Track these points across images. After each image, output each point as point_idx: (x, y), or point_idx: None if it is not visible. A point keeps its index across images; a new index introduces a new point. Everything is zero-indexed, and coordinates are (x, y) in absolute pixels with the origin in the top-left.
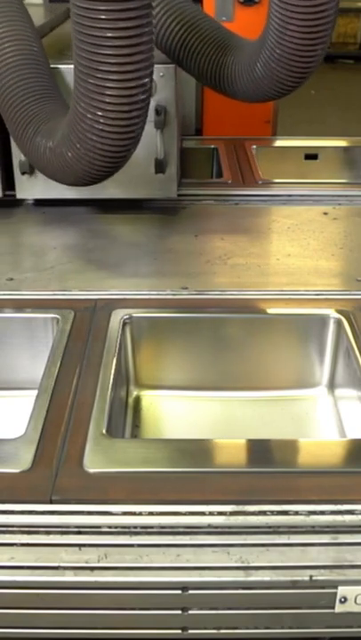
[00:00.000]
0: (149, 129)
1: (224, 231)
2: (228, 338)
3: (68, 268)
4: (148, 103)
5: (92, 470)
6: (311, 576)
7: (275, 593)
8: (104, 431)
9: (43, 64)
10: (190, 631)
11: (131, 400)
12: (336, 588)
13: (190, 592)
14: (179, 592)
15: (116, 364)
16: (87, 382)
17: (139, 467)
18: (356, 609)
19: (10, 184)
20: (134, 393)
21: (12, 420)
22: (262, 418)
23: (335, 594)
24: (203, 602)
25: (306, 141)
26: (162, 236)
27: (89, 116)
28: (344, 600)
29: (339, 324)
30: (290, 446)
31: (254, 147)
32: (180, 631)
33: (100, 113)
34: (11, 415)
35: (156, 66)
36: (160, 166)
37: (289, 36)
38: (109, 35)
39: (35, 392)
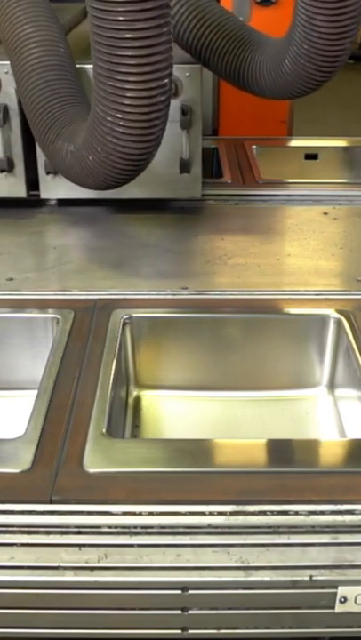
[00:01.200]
0: (174, 129)
1: (224, 231)
2: (228, 338)
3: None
4: (169, 104)
5: (92, 470)
6: (311, 576)
7: (275, 593)
8: (104, 431)
9: (68, 65)
10: (190, 631)
11: (131, 400)
12: (336, 588)
13: (190, 592)
14: (179, 592)
15: (116, 364)
16: (87, 382)
17: (139, 467)
18: (356, 609)
19: (34, 184)
20: (134, 393)
21: (12, 420)
22: (262, 418)
23: (335, 594)
24: (203, 602)
25: (306, 141)
26: (161, 235)
27: (109, 118)
28: (344, 600)
29: (339, 324)
30: (290, 446)
31: (254, 147)
32: (180, 631)
33: (119, 115)
34: (11, 415)
35: (181, 66)
36: (185, 166)
37: (316, 32)
38: (128, 36)
39: (35, 392)
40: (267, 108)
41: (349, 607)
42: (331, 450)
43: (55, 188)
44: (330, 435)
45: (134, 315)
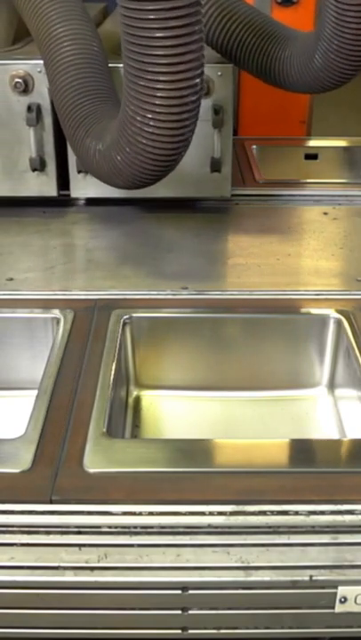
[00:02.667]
0: (205, 128)
1: (224, 231)
2: (228, 338)
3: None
4: (199, 105)
5: (92, 470)
6: (311, 576)
7: (275, 593)
8: (104, 431)
9: (100, 63)
10: (190, 631)
11: (131, 400)
12: (336, 588)
13: (190, 592)
14: (179, 592)
15: (116, 364)
16: (87, 382)
17: (139, 467)
18: (356, 609)
19: (64, 183)
20: (134, 393)
21: (12, 420)
22: (262, 418)
23: (335, 594)
24: (203, 602)
25: (306, 141)
26: (161, 235)
27: (138, 118)
28: (344, 600)
29: (339, 324)
30: (290, 446)
31: (254, 147)
32: (180, 631)
33: (149, 115)
34: (11, 415)
35: (213, 65)
36: (216, 165)
37: (346, 27)
38: (159, 35)
39: (35, 392)
40: (286, 109)
41: (349, 607)
42: (331, 450)
43: (85, 188)
44: (330, 435)
45: (134, 315)
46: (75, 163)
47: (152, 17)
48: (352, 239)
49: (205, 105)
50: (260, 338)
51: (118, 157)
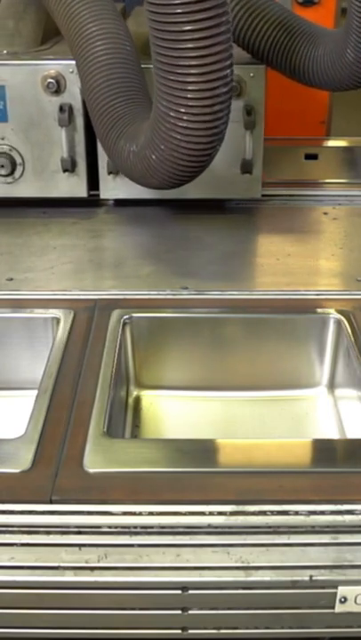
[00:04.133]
0: (235, 129)
1: (223, 231)
2: (228, 338)
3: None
4: (231, 97)
5: (92, 470)
6: (311, 576)
7: (275, 593)
8: (104, 431)
9: (132, 63)
10: (190, 631)
11: (131, 400)
12: (336, 588)
13: (190, 592)
14: (179, 592)
15: (116, 364)
16: (87, 382)
17: (139, 467)
18: (356, 609)
19: (94, 184)
20: (134, 393)
21: (12, 420)
22: (262, 418)
23: (335, 594)
24: (203, 602)
25: (306, 141)
26: (160, 235)
27: (171, 114)
28: (344, 600)
29: (339, 324)
30: (290, 446)
31: None
32: (180, 631)
33: (182, 110)
34: (11, 415)
35: (246, 66)
36: (248, 166)
37: None
38: (187, 28)
39: (35, 392)
40: (306, 109)
41: (349, 607)
42: (331, 450)
43: (115, 189)
44: (330, 435)
45: (134, 315)
46: (105, 164)
47: (180, 11)
48: (352, 239)
49: (237, 106)
50: (260, 338)
51: (153, 156)
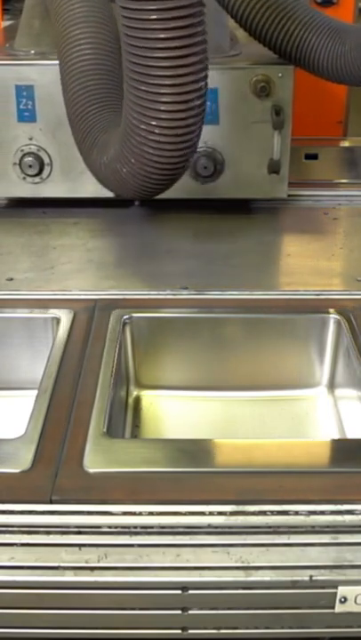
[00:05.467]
0: (261, 129)
1: (222, 231)
2: (228, 338)
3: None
4: (205, 109)
5: (92, 470)
6: (311, 576)
7: (275, 593)
8: (104, 431)
9: (113, 69)
10: (190, 631)
11: (131, 400)
12: (336, 588)
13: (190, 592)
14: (179, 592)
15: (116, 364)
16: (87, 382)
17: (139, 467)
18: (356, 609)
19: None
20: (134, 393)
21: (12, 420)
22: (262, 418)
23: (335, 594)
24: (203, 602)
25: (306, 141)
26: (160, 236)
27: (142, 127)
28: (344, 600)
29: (339, 324)
30: (290, 446)
31: None
32: (180, 631)
33: (154, 122)
34: (11, 415)
35: (274, 66)
36: (275, 167)
37: None
38: (162, 36)
39: (35, 392)
40: (323, 109)
41: (349, 607)
42: (331, 450)
43: None
44: (330, 435)
45: (134, 315)
46: None
47: (154, 17)
48: (352, 239)
49: (265, 106)
50: (260, 338)
51: (124, 170)
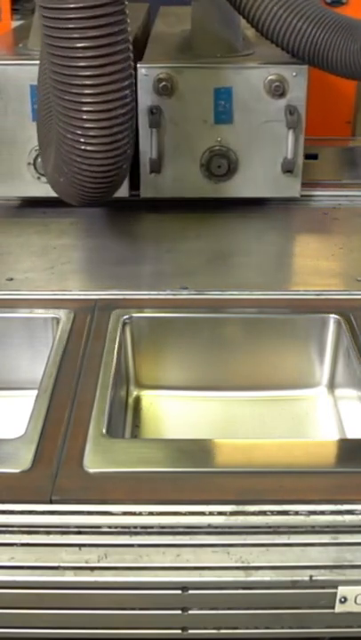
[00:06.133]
0: (275, 128)
1: (222, 230)
2: (228, 338)
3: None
4: (132, 117)
5: (92, 470)
6: (311, 576)
7: (275, 593)
8: (104, 431)
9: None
10: (190, 631)
11: (131, 400)
12: (336, 588)
13: (190, 592)
14: (179, 592)
15: (116, 364)
16: (87, 382)
17: (139, 467)
18: (356, 609)
19: (134, 183)
20: (134, 393)
21: (12, 420)
22: (262, 418)
23: (335, 594)
24: (203, 602)
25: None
26: (161, 236)
27: (69, 136)
28: (344, 600)
29: (339, 324)
30: (290, 446)
31: None
32: (180, 631)
33: (79, 132)
34: (11, 415)
35: (288, 66)
36: (289, 166)
37: None
38: (80, 45)
39: (35, 392)
40: (332, 109)
41: (349, 607)
42: (331, 450)
43: (155, 188)
44: (330, 435)
45: (134, 315)
46: (147, 162)
47: (72, 26)
48: (352, 239)
49: (279, 105)
50: (260, 338)
51: (61, 179)
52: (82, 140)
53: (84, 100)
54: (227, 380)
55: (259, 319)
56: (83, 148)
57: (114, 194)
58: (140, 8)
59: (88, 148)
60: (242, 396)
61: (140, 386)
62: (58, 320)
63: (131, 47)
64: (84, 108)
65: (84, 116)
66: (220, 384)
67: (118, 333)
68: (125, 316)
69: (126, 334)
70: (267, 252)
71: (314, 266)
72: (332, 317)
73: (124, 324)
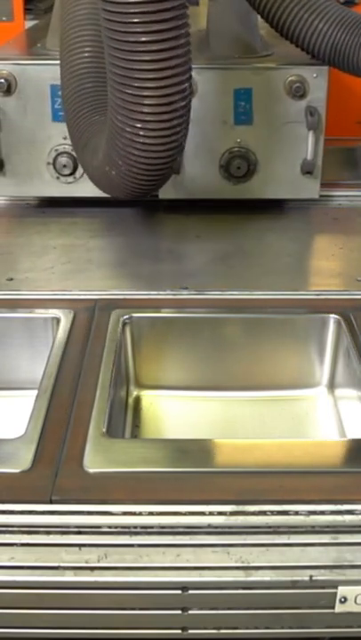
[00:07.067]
0: (296, 129)
1: (224, 231)
2: (228, 338)
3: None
4: (189, 109)
5: (92, 470)
6: (311, 576)
7: (275, 593)
8: (104, 431)
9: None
10: (190, 631)
11: (131, 400)
12: (336, 588)
13: (190, 592)
14: (179, 592)
15: (116, 364)
16: (87, 382)
17: (139, 467)
18: (356, 609)
19: None
20: (134, 393)
21: (12, 420)
22: (262, 418)
23: (335, 594)
24: (203, 602)
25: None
26: (161, 236)
27: (128, 129)
28: (344, 600)
29: (339, 324)
30: (290, 446)
31: None
32: (180, 631)
33: (139, 125)
34: (11, 415)
35: (309, 67)
36: (309, 167)
37: None
38: (144, 39)
39: (35, 392)
40: (343, 109)
41: (349, 607)
42: (331, 450)
43: (174, 189)
44: (330, 435)
45: (134, 315)
46: None
47: (136, 20)
48: (352, 239)
49: (299, 107)
50: (260, 338)
51: (113, 172)
52: (141, 132)
53: (145, 94)
54: (227, 380)
55: (259, 319)
56: (142, 141)
57: (162, 187)
58: None
59: (147, 140)
60: (242, 395)
61: (140, 386)
62: (58, 320)
63: (190, 40)
64: (146, 102)
65: (145, 109)
66: (220, 384)
67: (118, 333)
68: (125, 316)
69: (126, 334)
70: (266, 251)
71: (314, 266)
72: (332, 317)
73: (124, 323)
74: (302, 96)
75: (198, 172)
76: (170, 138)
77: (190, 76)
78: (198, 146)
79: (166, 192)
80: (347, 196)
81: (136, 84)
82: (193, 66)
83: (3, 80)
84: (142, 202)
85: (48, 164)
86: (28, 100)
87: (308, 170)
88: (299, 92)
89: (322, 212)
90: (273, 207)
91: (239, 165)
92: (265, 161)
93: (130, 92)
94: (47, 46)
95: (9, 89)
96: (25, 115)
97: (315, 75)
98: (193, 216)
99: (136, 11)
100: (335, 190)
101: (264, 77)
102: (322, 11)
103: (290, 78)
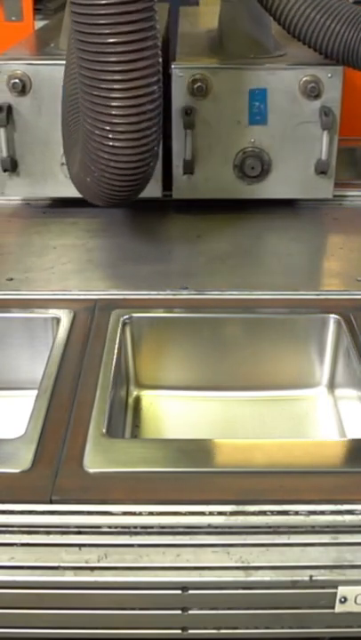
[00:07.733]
0: (309, 129)
1: (224, 231)
2: (228, 338)
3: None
4: (160, 113)
5: (92, 470)
6: (311, 576)
7: (275, 593)
8: (104, 431)
9: None
10: (190, 631)
11: (131, 400)
12: (336, 587)
13: (190, 592)
14: (179, 592)
15: (116, 364)
16: (87, 382)
17: (139, 467)
18: (356, 609)
19: (167, 184)
20: (134, 393)
21: (12, 420)
22: (262, 418)
23: (335, 594)
24: (203, 602)
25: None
26: (162, 236)
27: (97, 132)
28: (344, 600)
29: (339, 324)
30: (290, 446)
31: None
32: (180, 631)
33: (107, 127)
34: (11, 415)
35: (323, 67)
36: (323, 167)
37: None
38: (111, 40)
39: (35, 392)
40: (351, 108)
41: (349, 607)
42: (331, 450)
43: (188, 188)
44: (330, 435)
45: (134, 315)
46: (180, 163)
47: (103, 22)
48: (352, 239)
49: (313, 107)
50: (260, 338)
51: (88, 179)
52: (110, 135)
53: (113, 96)
54: (227, 380)
55: (259, 319)
56: (111, 144)
57: (140, 194)
58: (163, 7)
59: (116, 144)
60: (242, 395)
61: (140, 386)
62: (58, 320)
63: (159, 43)
64: (113, 104)
65: (113, 112)
66: (220, 384)
67: (118, 333)
68: (125, 316)
69: (126, 334)
70: (267, 251)
71: (314, 266)
72: (332, 317)
73: (124, 323)
74: (317, 96)
75: (212, 172)
76: (139, 141)
77: (160, 79)
78: (212, 146)
79: (180, 192)
80: (347, 195)
81: (104, 86)
82: (207, 65)
83: (17, 80)
84: (142, 202)
85: (62, 164)
86: (43, 101)
87: (322, 170)
88: (313, 92)
89: (322, 212)
90: (275, 207)
91: (253, 165)
92: (279, 161)
93: (98, 93)
94: (60, 46)
95: (23, 89)
96: (39, 115)
97: (329, 75)
98: (194, 216)
99: (103, 12)
100: (339, 190)
101: (279, 77)
102: (333, 10)
103: (304, 78)
